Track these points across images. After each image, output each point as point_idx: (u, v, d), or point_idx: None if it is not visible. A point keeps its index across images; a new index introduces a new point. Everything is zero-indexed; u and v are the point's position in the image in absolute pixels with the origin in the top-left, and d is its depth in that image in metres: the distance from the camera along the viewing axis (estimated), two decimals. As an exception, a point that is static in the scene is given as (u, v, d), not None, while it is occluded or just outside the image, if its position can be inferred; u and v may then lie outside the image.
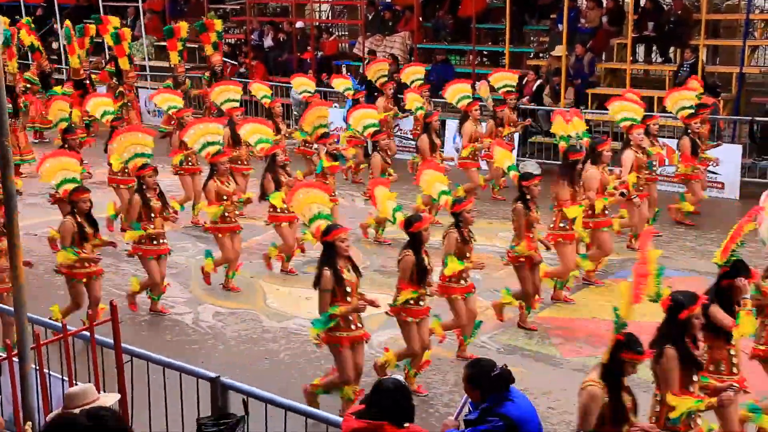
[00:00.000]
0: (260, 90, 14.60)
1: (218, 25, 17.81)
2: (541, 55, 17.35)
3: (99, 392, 4.67)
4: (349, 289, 6.96)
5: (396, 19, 19.12)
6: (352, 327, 7.02)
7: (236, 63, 20.17)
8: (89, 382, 5.09)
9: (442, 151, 12.79)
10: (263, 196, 10.37)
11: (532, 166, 13.96)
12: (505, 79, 14.38)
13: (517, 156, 15.20)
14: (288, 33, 20.04)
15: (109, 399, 4.57)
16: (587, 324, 9.09)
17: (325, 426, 5.23)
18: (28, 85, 17.29)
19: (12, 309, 4.90)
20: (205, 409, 5.70)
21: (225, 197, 9.86)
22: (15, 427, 5.12)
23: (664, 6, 16.47)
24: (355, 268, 7.15)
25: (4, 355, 5.18)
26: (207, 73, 17.45)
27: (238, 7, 22.15)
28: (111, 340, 5.40)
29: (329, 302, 6.88)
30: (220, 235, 9.93)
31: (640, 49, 16.77)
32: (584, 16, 16.82)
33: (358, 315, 7.09)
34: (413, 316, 7.49)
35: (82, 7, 23.24)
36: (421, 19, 18.76)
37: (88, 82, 17.47)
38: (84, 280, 8.56)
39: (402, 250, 7.48)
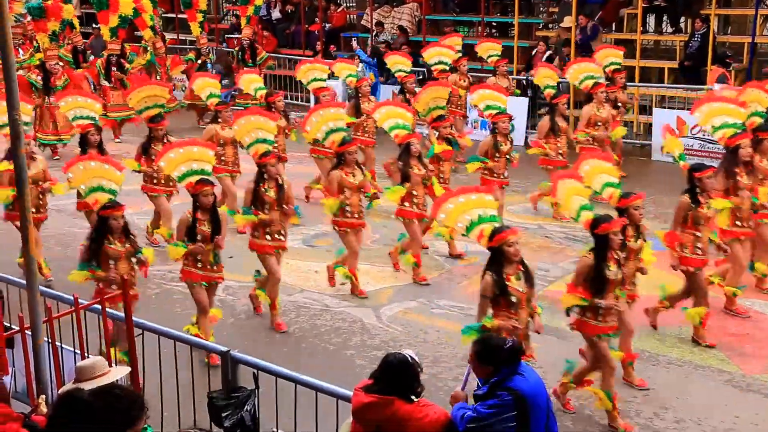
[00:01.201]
0: (344, 69, 13.50)
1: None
2: (550, 26, 17.21)
3: (110, 365, 4.71)
4: (514, 300, 6.26)
5: (404, -9, 18.99)
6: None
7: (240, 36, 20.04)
8: (101, 355, 5.13)
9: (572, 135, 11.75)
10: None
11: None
12: (611, 56, 13.09)
13: (526, 129, 15.17)
14: (296, 5, 19.93)
15: (119, 372, 4.60)
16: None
17: (335, 400, 5.26)
18: (61, 63, 16.02)
19: (25, 282, 4.93)
20: (216, 383, 5.74)
21: (349, 189, 8.90)
22: (28, 398, 5.17)
23: (675, -25, 16.29)
24: (528, 278, 6.37)
25: (17, 329, 5.21)
26: (236, 48, 17.06)
27: (246, -22, 21.99)
28: (122, 314, 5.43)
29: (486, 311, 6.27)
30: (344, 230, 9.03)
31: (651, 19, 16.63)
32: (594, -15, 16.67)
33: (526, 331, 6.36)
34: (594, 332, 6.61)
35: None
36: (429, -10, 18.63)
37: (115, 57, 16.14)
38: (205, 283, 7.85)
39: (587, 251, 6.68)
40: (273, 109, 11.30)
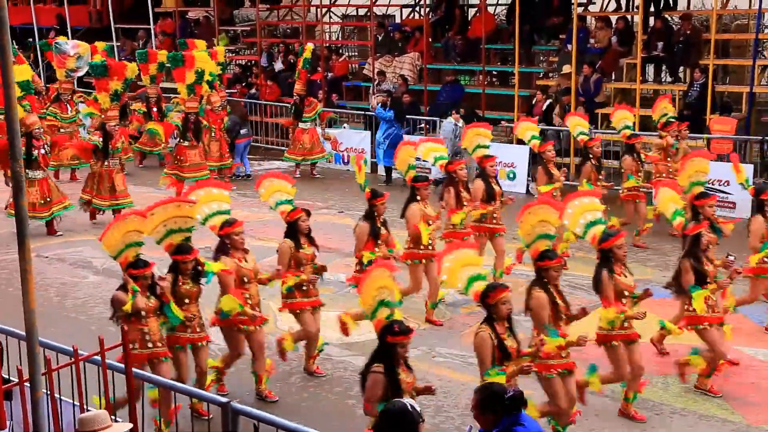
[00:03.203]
0: (528, 130, 11.89)
1: (308, 51, 16.83)
2: (550, 75, 17.39)
3: (110, 418, 4.67)
4: None
5: (405, 40, 19.24)
6: None
7: (245, 85, 20.25)
8: (100, 407, 5.09)
9: None
10: (678, 285, 7.90)
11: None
12: None
13: (527, 177, 15.23)
14: (298, 54, 20.14)
15: (121, 427, 4.57)
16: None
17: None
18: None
19: (25, 334, 4.90)
20: (216, 435, 5.68)
21: (626, 292, 7.30)
22: (26, 452, 5.11)
23: (674, 26, 16.51)
24: None
25: (16, 381, 5.18)
26: (291, 104, 16.78)
27: (249, 28, 22.32)
28: (122, 365, 5.41)
29: None
30: (613, 344, 7.32)
31: (650, 69, 16.80)
32: (593, 36, 16.90)
33: None
34: None
35: (95, 29, 23.46)
36: (430, 39, 18.86)
37: (194, 116, 15.14)
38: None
39: None
40: (455, 179, 10.04)
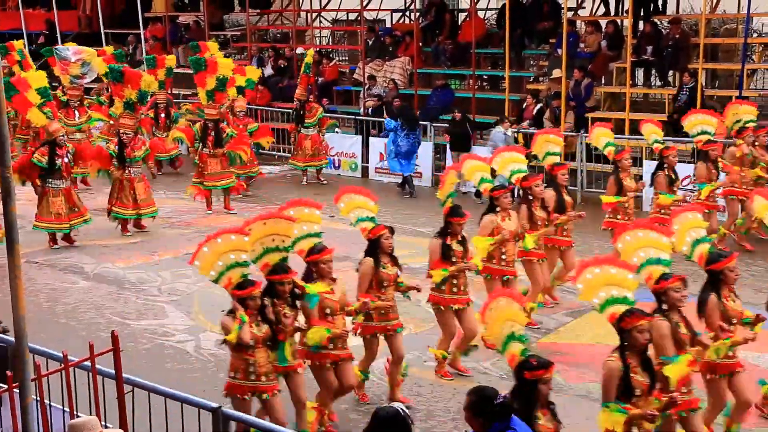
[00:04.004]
0: (602, 136, 11.30)
1: (309, 56, 16.57)
2: (540, 79, 17.44)
3: (101, 424, 4.65)
4: None
5: (396, 45, 19.26)
6: None
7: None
8: (90, 413, 5.07)
9: None
10: None
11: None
12: None
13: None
14: (288, 59, 20.16)
15: (112, 432, 4.56)
16: (590, 349, 9.06)
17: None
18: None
19: (14, 339, 4.88)
20: (207, 440, 5.67)
21: (734, 319, 6.67)
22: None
23: (663, 30, 16.59)
24: None
25: (5, 387, 5.15)
26: (293, 109, 16.60)
27: (239, 33, 22.32)
28: (112, 370, 5.38)
29: None
30: (715, 378, 6.80)
31: (639, 73, 16.87)
32: (583, 40, 16.95)
33: None
34: None
35: (85, 34, 23.40)
36: (421, 44, 18.89)
37: (212, 123, 14.53)
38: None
39: None
40: (530, 196, 9.46)
